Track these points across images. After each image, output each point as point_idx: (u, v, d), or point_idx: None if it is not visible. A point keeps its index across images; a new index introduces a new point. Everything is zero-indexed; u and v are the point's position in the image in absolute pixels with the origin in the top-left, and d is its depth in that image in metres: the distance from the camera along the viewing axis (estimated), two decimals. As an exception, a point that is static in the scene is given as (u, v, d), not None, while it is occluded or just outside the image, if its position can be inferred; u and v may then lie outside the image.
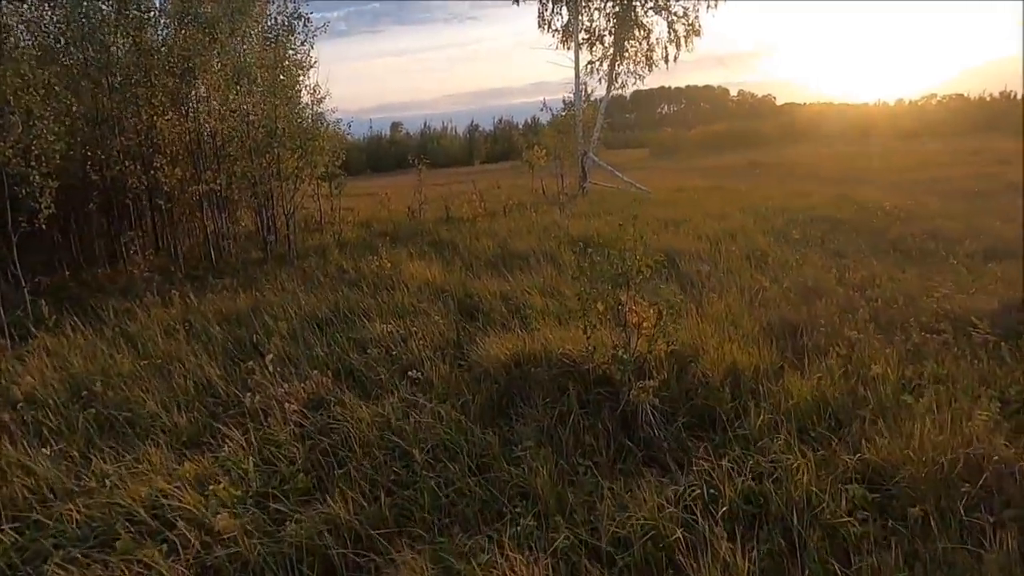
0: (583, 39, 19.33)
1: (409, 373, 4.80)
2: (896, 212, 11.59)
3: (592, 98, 20.17)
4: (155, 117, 9.90)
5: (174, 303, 7.65)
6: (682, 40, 19.23)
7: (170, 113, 9.86)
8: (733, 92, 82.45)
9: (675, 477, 3.46)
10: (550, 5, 19.56)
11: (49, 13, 10.22)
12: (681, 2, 19.09)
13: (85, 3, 10.01)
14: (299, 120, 10.84)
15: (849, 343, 4.89)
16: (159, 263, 10.41)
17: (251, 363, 5.00)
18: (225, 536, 3.11)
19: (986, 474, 3.13)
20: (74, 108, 8.59)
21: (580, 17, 19.18)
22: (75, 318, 6.93)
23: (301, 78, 11.97)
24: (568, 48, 19.60)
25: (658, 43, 19.48)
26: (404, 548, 2.97)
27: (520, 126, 74.88)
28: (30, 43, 9.58)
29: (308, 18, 11.65)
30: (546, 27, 19.78)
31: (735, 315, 5.56)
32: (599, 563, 2.87)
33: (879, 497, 3.17)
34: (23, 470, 3.78)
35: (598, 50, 19.36)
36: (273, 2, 11.87)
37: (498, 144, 67.62)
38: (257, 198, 10.86)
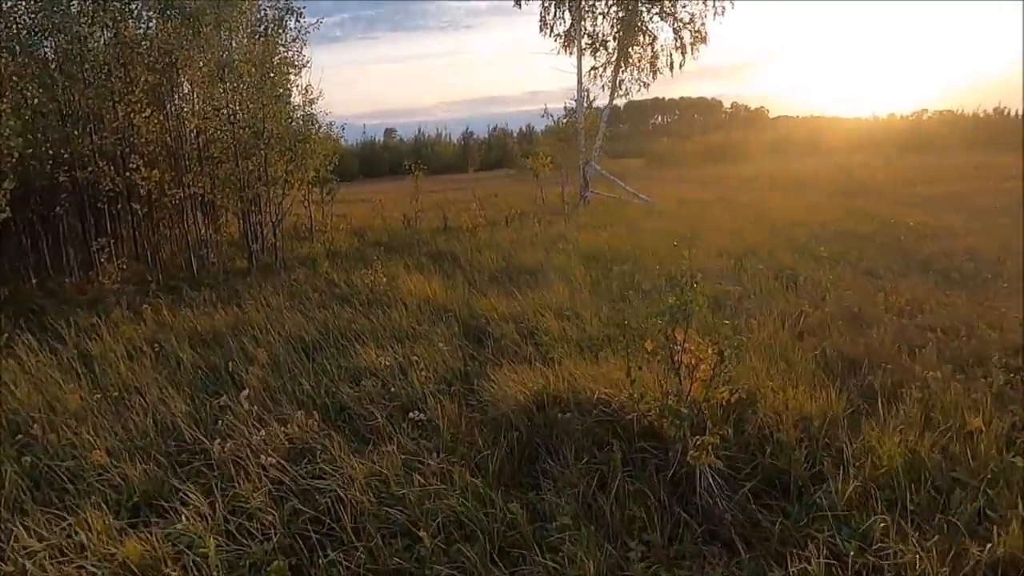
0: (586, 44, 18.75)
1: (411, 414, 4.06)
2: (920, 228, 11.00)
3: (594, 105, 19.54)
4: (133, 114, 9.14)
5: (145, 319, 6.88)
6: (688, 47, 18.69)
7: (149, 110, 9.10)
8: (726, 104, 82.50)
9: (745, 564, 2.75)
10: (552, 9, 18.98)
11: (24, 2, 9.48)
12: (688, 8, 18.57)
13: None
14: (289, 121, 10.11)
15: (923, 384, 4.20)
16: (134, 272, 9.61)
17: (224, 398, 4.24)
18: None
19: None
20: (35, 102, 7.81)
21: (583, 22, 18.61)
22: (32, 335, 6.15)
23: (292, 77, 11.28)
24: (570, 54, 19.02)
25: (663, 50, 18.95)
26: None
27: (515, 134, 74.76)
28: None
29: (301, 13, 10.94)
30: (548, 31, 19.20)
31: (783, 347, 4.86)
32: None
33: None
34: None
35: (601, 56, 18.76)
36: (264, -4, 11.19)
37: (492, 152, 67.15)
38: (242, 203, 10.11)
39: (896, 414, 3.77)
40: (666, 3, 18.30)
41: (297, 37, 11.40)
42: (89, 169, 9.23)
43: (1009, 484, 3.15)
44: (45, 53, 9.64)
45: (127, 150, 9.46)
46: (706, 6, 18.33)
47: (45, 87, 9.11)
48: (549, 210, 16.52)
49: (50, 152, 8.91)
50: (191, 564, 2.73)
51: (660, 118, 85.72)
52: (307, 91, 11.38)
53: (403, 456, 3.56)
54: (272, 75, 9.79)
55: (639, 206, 16.73)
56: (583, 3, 18.41)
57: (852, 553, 2.63)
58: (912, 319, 5.98)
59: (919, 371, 4.39)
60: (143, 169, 8.91)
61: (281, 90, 10.21)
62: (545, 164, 14.86)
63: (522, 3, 18.97)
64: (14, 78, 7.21)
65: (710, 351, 3.18)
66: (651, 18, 18.47)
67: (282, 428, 3.86)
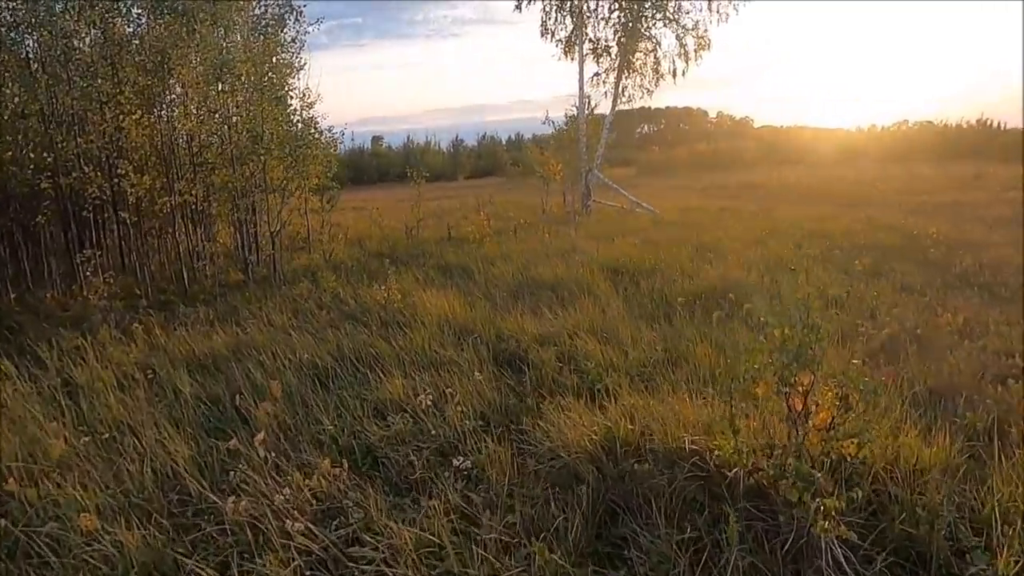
0: (588, 50, 18.32)
1: (455, 461, 3.49)
2: (944, 240, 10.61)
3: (595, 112, 19.09)
4: (121, 117, 8.51)
5: (136, 339, 6.26)
6: (692, 53, 18.31)
7: (138, 112, 8.49)
8: (711, 114, 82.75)
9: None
10: (554, 14, 18.55)
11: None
12: (692, 14, 18.23)
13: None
14: (288, 125, 9.52)
15: (1031, 422, 3.71)
16: (122, 286, 8.96)
17: (233, 441, 3.65)
18: None
19: None
20: (16, 102, 7.19)
21: (585, 27, 18.19)
22: (9, 359, 5.52)
23: (291, 79, 10.70)
24: (572, 59, 18.58)
25: (665, 56, 18.57)
26: None
27: (504, 142, 74.45)
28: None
29: (300, 11, 10.38)
30: (549, 36, 18.75)
31: (861, 378, 4.34)
32: None
33: None
34: None
35: (604, 61, 18.34)
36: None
37: (482, 160, 66.69)
38: (238, 212, 9.50)
39: (1015, 463, 3.27)
40: (669, 8, 17.95)
41: (296, 37, 10.85)
42: (73, 175, 8.61)
43: None
44: (27, 51, 9.01)
45: (114, 155, 8.84)
46: (710, 12, 18.01)
47: (27, 87, 8.48)
48: (551, 219, 16.04)
49: (31, 156, 8.27)
50: None
51: (646, 127, 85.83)
52: (305, 95, 10.83)
53: (455, 516, 3.00)
54: (272, 75, 9.21)
55: (644, 215, 16.27)
56: (585, 7, 18.02)
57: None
58: (975, 342, 5.52)
59: (1015, 404, 3.90)
60: (131, 175, 8.30)
61: (281, 92, 9.63)
62: (556, 171, 14.32)
63: (522, 7, 18.54)
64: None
65: (830, 395, 2.65)
66: (654, 24, 18.10)
67: (305, 480, 3.28)
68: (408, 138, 66.24)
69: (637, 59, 18.35)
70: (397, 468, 3.62)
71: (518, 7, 18.32)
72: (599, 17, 18.28)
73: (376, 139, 69.10)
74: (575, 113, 18.30)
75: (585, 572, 2.62)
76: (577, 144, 17.88)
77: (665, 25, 18.20)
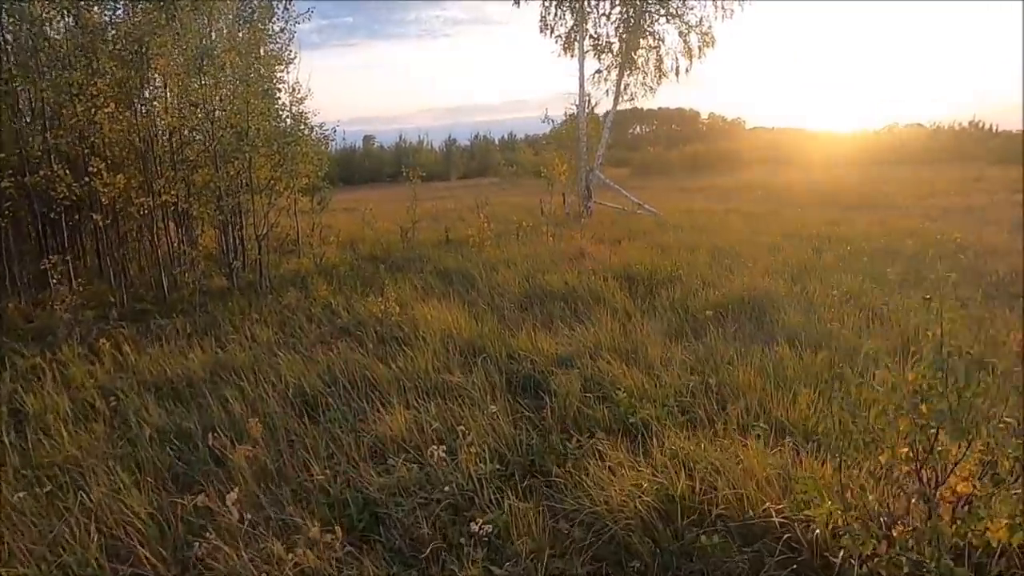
0: (589, 46, 17.71)
1: (473, 526, 2.86)
2: (970, 245, 10.07)
3: (595, 111, 18.47)
4: (94, 110, 7.82)
5: (103, 357, 5.59)
6: (696, 51, 17.74)
7: (113, 105, 7.79)
8: (703, 115, 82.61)
9: None
10: (553, 9, 17.93)
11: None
12: (696, 10, 17.66)
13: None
14: (277, 120, 8.85)
15: None
16: (95, 293, 8.29)
17: (202, 495, 3.00)
18: None
19: None
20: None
21: (585, 23, 17.59)
22: (-45, 382, 4.85)
23: (280, 72, 10.00)
24: (572, 56, 17.97)
25: (668, 54, 17.98)
26: None
27: (497, 142, 73.93)
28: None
29: (290, 0, 9.69)
30: (548, 32, 18.14)
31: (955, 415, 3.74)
32: None
33: None
34: None
35: (606, 58, 17.73)
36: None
37: (475, 160, 66.08)
38: (222, 214, 8.82)
39: None
40: (672, 4, 17.38)
41: (285, 28, 10.17)
42: (41, 173, 7.90)
43: None
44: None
45: (87, 152, 8.15)
46: (715, 8, 17.45)
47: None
48: (551, 221, 15.42)
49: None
50: None
51: (638, 128, 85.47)
52: (295, 89, 10.14)
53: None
54: (258, 67, 8.53)
55: (647, 218, 15.68)
56: (586, 3, 17.41)
57: None
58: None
59: None
60: (105, 174, 7.61)
61: (268, 85, 8.95)
62: (562, 171, 13.69)
63: (520, 3, 17.90)
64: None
65: (971, 462, 2.05)
66: (657, 19, 17.51)
67: (288, 553, 2.64)
68: (400, 137, 65.63)
69: (639, 56, 17.77)
70: (401, 528, 2.99)
71: (516, 3, 17.69)
72: (600, 13, 17.70)
73: (367, 138, 68.42)
74: (575, 111, 17.70)
75: None
76: (577, 143, 17.26)
77: (668, 21, 17.64)
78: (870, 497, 2.24)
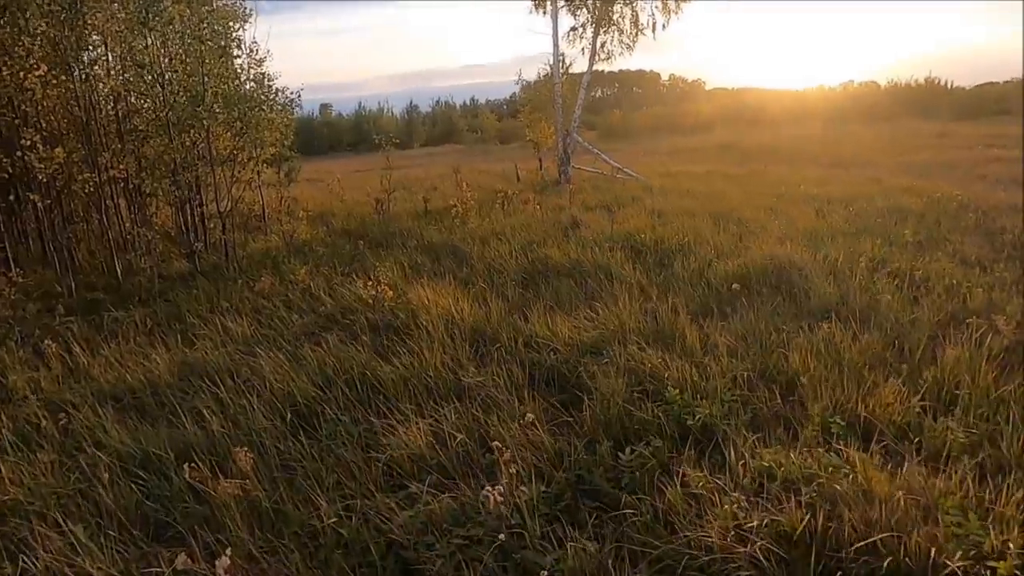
0: (563, 2, 16.81)
1: (537, 581, 2.26)
2: (969, 203, 9.73)
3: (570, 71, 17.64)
4: (23, 73, 6.81)
5: (49, 361, 4.81)
6: (673, 5, 16.98)
7: (44, 68, 6.80)
8: (664, 77, 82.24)
9: None
10: (524, -39, 16.93)
11: None
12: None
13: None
14: (236, 83, 7.93)
15: None
16: (39, 281, 7.39)
17: (182, 556, 2.34)
18: None
19: None
20: None
21: (558, -23, 16.64)
22: None
23: (236, 30, 9.01)
24: (544, 13, 17.05)
25: (643, 10, 17.23)
26: None
27: (458, 107, 72.46)
28: None
29: (242, -52, 8.64)
30: (519, -13, 17.17)
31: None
32: None
33: None
34: None
35: (581, 15, 16.86)
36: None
37: (437, 126, 64.53)
38: (179, 189, 7.91)
39: None
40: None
41: (239, -21, 9.14)
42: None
43: None
44: None
45: (17, 122, 7.15)
46: (693, -40, 16.68)
47: None
48: (529, 188, 14.72)
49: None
50: None
51: (599, 91, 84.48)
52: (253, 49, 9.16)
53: None
54: (212, 22, 7.56)
55: (631, 182, 15.09)
56: (559, -45, 16.45)
57: None
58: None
59: None
60: (41, 147, 6.66)
61: (224, 41, 7.98)
62: (548, 135, 12.95)
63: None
64: None
65: None
66: (633, -26, 16.65)
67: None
68: (360, 105, 63.84)
69: (615, 12, 16.94)
70: (437, 581, 2.39)
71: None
72: (574, -35, 16.75)
73: (325, 107, 66.26)
74: (548, 71, 16.88)
75: None
76: (553, 105, 16.49)
77: (644, -24, 16.83)
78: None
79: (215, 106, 7.39)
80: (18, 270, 7.08)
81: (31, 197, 7.11)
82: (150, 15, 6.89)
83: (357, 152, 48.42)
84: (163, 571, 2.36)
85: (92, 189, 7.46)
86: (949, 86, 51.62)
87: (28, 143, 6.59)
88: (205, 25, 7.23)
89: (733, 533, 2.25)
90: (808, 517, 2.23)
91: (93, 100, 7.54)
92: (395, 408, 3.60)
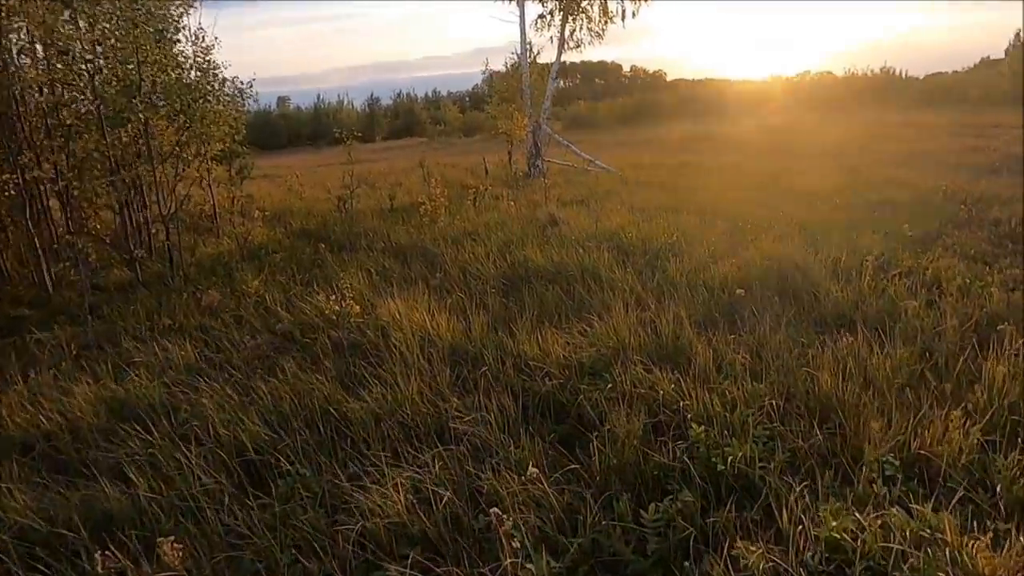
0: (530, -11, 16.25)
1: None
2: (958, 192, 9.48)
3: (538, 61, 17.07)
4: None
5: (-48, 398, 4.06)
6: (642, -7, 16.50)
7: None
8: (625, 68, 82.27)
9: None
10: (489, -54, 16.27)
11: None
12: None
13: None
14: (178, 72, 7.14)
15: None
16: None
17: None
18: None
19: None
20: None
21: (524, -37, 16.02)
22: None
23: (179, 15, 8.17)
24: (511, 0, 16.42)
25: (610, -1, 16.68)
26: None
27: (420, 100, 71.26)
28: None
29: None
30: (484, -27, 16.50)
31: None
32: None
33: None
34: None
35: (549, 2, 16.28)
36: None
37: (399, 119, 63.26)
38: (116, 190, 7.12)
39: None
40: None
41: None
42: None
43: None
44: None
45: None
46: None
47: None
48: (498, 183, 14.12)
49: None
50: None
51: (562, 82, 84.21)
52: (199, 36, 8.34)
53: None
54: (147, 4, 6.74)
55: (604, 176, 14.61)
56: (525, -61, 15.83)
57: None
58: None
59: None
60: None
61: (163, 26, 7.18)
62: (521, 127, 12.35)
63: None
64: None
65: None
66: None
67: None
68: (319, 98, 62.31)
69: (585, -1, 16.39)
70: None
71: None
72: (541, -49, 16.16)
73: (282, 100, 64.38)
74: (516, 61, 16.28)
75: None
76: (521, 95, 15.91)
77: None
78: None
79: (154, 97, 6.61)
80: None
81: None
82: (75, -4, 6.09)
83: (317, 147, 47.09)
84: None
85: (14, 191, 6.63)
86: (904, 75, 52.51)
87: (-68, 141, 5.76)
88: (139, 6, 6.44)
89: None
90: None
91: (12, 92, 6.69)
92: (364, 456, 3.00)
